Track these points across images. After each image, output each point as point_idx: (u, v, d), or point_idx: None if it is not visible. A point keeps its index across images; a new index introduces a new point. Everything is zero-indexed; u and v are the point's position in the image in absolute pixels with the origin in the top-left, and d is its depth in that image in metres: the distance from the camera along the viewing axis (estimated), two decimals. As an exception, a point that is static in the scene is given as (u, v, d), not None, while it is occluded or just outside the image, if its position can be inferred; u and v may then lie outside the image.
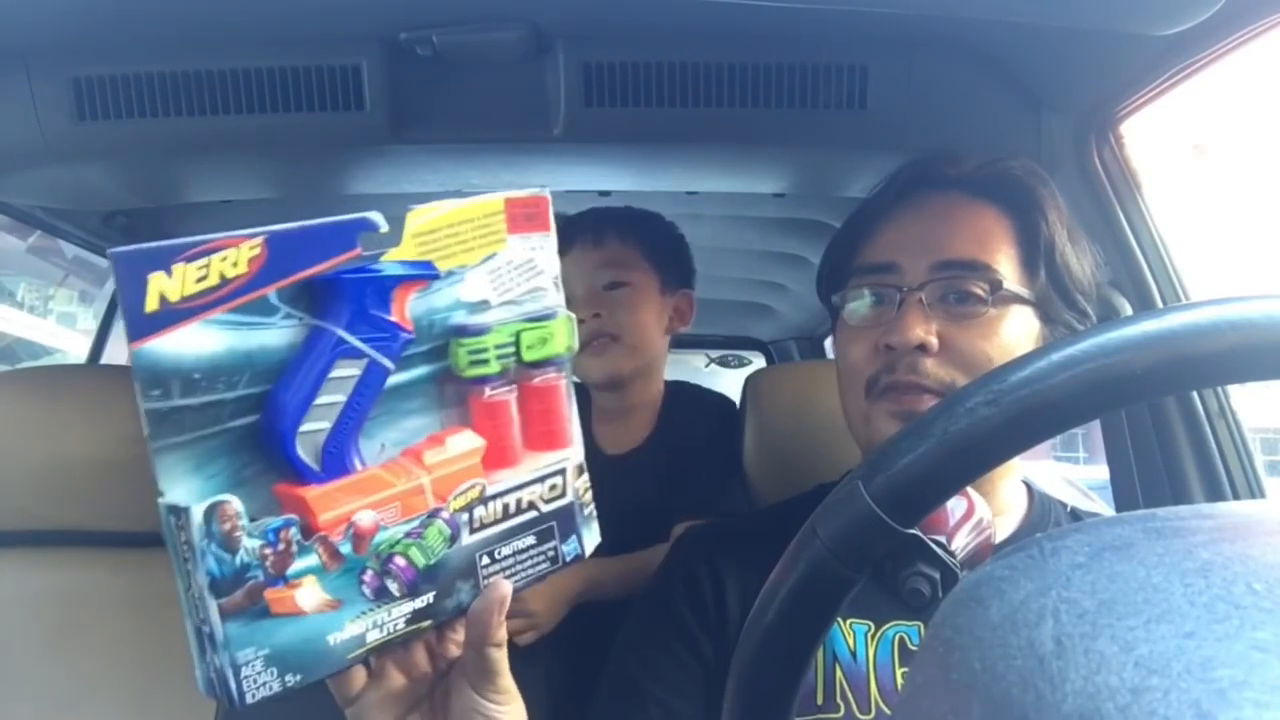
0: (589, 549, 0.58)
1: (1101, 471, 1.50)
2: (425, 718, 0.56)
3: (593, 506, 0.59)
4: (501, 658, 0.54)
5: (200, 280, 0.43)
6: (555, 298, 0.57)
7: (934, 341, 0.78)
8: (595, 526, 0.59)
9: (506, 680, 0.55)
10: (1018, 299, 0.80)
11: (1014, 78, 1.10)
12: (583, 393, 1.35)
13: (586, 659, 0.98)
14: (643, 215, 1.31)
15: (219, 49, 1.05)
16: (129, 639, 1.13)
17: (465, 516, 0.52)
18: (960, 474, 0.37)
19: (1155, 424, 1.11)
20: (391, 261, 0.49)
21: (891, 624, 0.78)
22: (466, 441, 0.52)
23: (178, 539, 0.45)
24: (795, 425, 1.23)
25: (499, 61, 1.07)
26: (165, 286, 0.42)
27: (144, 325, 0.42)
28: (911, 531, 0.38)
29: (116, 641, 1.13)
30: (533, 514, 0.55)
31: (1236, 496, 1.06)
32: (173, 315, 0.43)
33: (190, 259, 0.43)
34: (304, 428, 0.46)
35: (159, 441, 0.43)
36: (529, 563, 0.55)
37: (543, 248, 0.57)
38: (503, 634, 0.53)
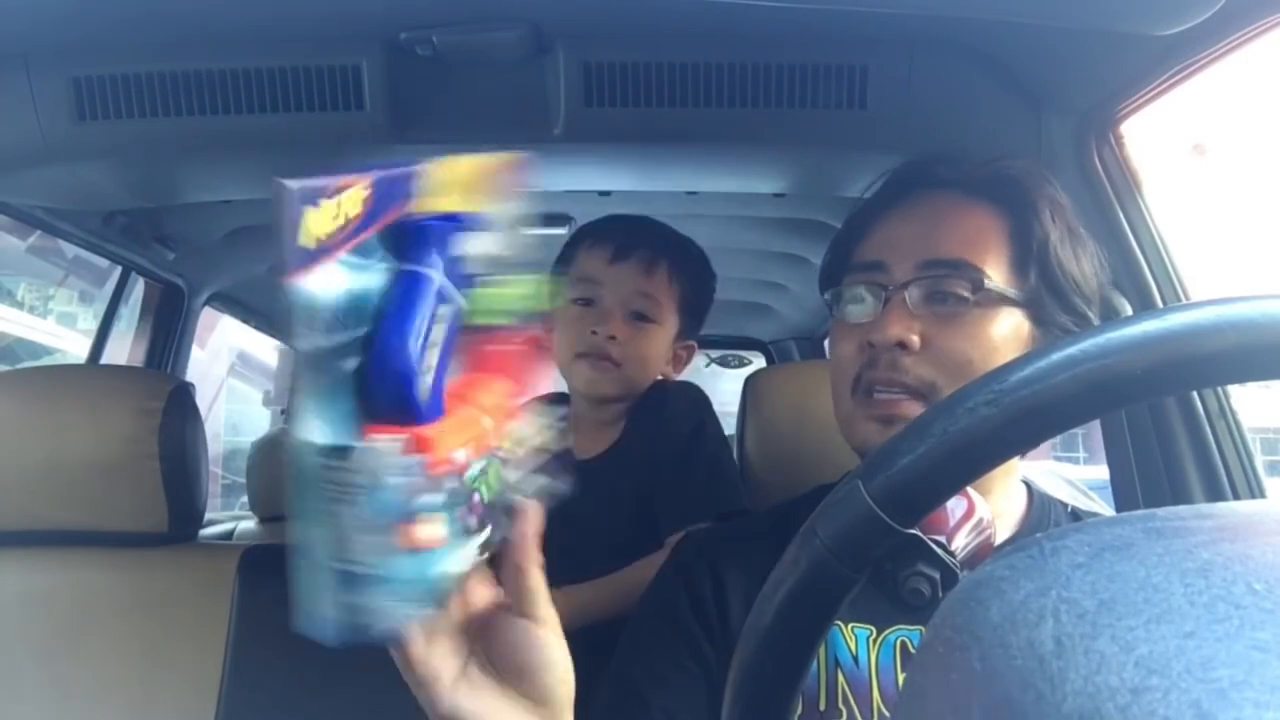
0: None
1: (1101, 471, 1.50)
2: (479, 665, 0.55)
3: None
4: (542, 580, 0.55)
5: (335, 219, 0.43)
6: (532, 255, 0.57)
7: (915, 340, 0.78)
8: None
9: (551, 610, 0.55)
10: (1004, 299, 0.79)
11: (1014, 78, 1.10)
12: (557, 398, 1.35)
13: (588, 678, 0.97)
14: (696, 258, 1.29)
15: (219, 49, 1.05)
16: (129, 639, 1.13)
17: (509, 454, 0.54)
18: (960, 474, 0.37)
19: (1155, 424, 1.11)
20: (446, 211, 0.50)
21: (894, 629, 0.78)
22: (504, 385, 0.54)
23: (328, 477, 0.45)
24: (795, 425, 1.23)
25: (499, 61, 1.08)
26: (315, 223, 0.42)
27: (300, 259, 0.42)
28: (911, 531, 0.38)
29: (116, 641, 1.13)
30: (543, 455, 0.57)
31: (1236, 496, 1.06)
32: (318, 253, 0.43)
33: (330, 195, 0.43)
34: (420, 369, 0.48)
35: (311, 381, 0.44)
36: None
37: (523, 207, 0.57)
38: (538, 555, 0.54)
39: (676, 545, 0.94)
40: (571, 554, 1.17)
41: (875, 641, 0.77)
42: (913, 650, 0.77)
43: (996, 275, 0.79)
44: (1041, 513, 0.85)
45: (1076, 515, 0.88)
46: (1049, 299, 0.80)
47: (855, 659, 0.77)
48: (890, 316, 0.79)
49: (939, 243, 0.81)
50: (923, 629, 0.75)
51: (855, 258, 0.86)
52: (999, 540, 0.73)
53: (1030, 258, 0.80)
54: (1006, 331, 0.79)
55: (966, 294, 0.78)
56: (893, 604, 0.64)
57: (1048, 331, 0.80)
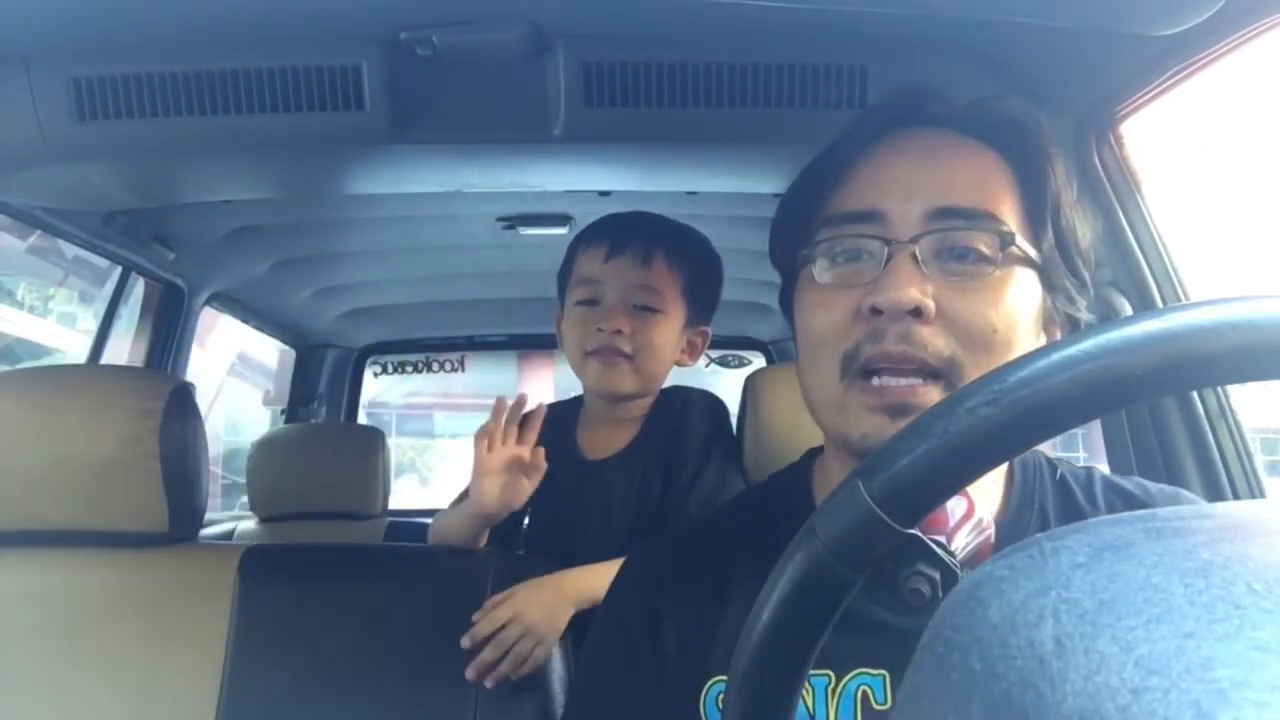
0: None
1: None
2: None
3: None
4: None
5: None
6: None
7: (931, 305, 0.64)
8: None
9: None
10: (1026, 260, 0.67)
11: (1014, 78, 1.10)
12: (570, 402, 1.35)
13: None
14: (696, 243, 1.28)
15: (219, 49, 1.05)
16: (129, 639, 1.13)
17: None
18: (961, 474, 0.37)
19: (1155, 424, 1.11)
20: None
21: (854, 674, 0.67)
22: None
23: None
24: (795, 425, 1.23)
25: (499, 61, 1.08)
26: None
27: None
28: (911, 531, 0.38)
29: (116, 641, 1.13)
30: None
31: (1236, 496, 1.06)
32: None
33: None
34: None
35: None
36: None
37: None
38: None
39: (618, 571, 0.84)
40: (577, 554, 1.18)
41: (834, 691, 0.67)
42: (874, 703, 0.67)
43: (1015, 231, 0.67)
44: (1025, 478, 0.73)
45: (1059, 473, 0.74)
46: (1060, 260, 0.69)
47: (812, 716, 0.67)
48: (901, 276, 0.64)
49: (948, 187, 0.67)
50: (885, 673, 0.68)
51: (835, 207, 0.70)
52: (986, 514, 0.63)
53: (1045, 212, 0.68)
54: (1027, 297, 0.67)
55: (991, 252, 0.65)
56: (853, 641, 0.60)
57: (1055, 297, 0.70)
